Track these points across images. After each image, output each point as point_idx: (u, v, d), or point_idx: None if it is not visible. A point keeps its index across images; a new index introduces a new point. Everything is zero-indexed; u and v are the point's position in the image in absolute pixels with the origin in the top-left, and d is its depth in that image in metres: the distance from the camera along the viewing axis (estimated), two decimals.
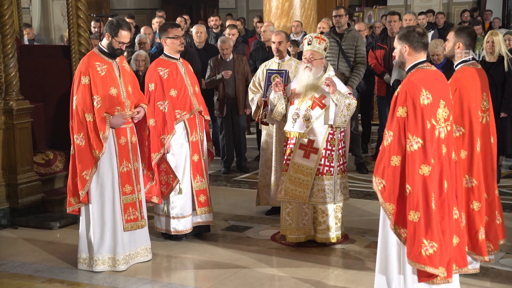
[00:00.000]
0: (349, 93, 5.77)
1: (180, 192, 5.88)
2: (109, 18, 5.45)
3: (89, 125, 5.21)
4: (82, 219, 5.38)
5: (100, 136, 5.19)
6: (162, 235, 6.03)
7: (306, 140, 5.71)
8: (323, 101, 5.70)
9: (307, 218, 5.81)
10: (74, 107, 5.26)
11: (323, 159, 5.70)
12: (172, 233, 5.94)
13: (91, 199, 5.30)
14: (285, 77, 6.39)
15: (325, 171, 5.70)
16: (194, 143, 5.94)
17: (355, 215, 6.70)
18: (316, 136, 5.70)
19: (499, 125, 7.54)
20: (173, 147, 5.86)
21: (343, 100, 5.61)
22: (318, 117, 5.69)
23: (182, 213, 5.92)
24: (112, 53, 5.34)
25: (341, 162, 5.79)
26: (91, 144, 5.21)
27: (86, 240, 5.35)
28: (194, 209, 5.98)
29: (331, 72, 5.86)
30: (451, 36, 4.89)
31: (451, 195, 4.06)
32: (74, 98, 5.26)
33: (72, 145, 5.30)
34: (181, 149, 5.90)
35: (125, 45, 5.38)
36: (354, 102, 5.68)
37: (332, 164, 5.72)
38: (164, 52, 6.00)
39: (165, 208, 5.92)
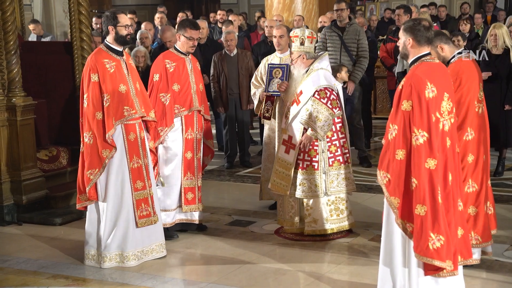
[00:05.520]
0: (325, 87, 5.71)
1: (162, 184, 5.84)
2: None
3: (98, 124, 5.18)
4: (90, 215, 5.36)
5: (106, 135, 5.17)
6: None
7: (287, 136, 5.85)
8: (300, 98, 5.79)
9: (294, 211, 5.91)
10: (85, 105, 5.22)
11: (302, 154, 5.77)
12: None
13: (102, 196, 5.27)
14: (287, 71, 6.38)
15: (305, 166, 5.78)
16: (188, 140, 5.91)
17: (358, 208, 6.69)
18: (294, 132, 5.80)
19: (503, 118, 7.55)
20: (166, 140, 5.84)
21: (313, 125, 5.67)
22: (295, 114, 5.78)
23: (164, 207, 5.87)
24: (124, 42, 5.34)
25: (338, 153, 5.82)
26: (98, 144, 5.19)
27: (95, 236, 5.33)
28: (180, 205, 5.96)
29: (318, 64, 5.84)
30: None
31: (455, 187, 4.07)
32: (85, 96, 5.22)
33: (82, 142, 5.28)
34: (173, 143, 5.87)
35: (130, 27, 5.39)
36: (323, 113, 5.66)
37: (314, 159, 5.76)
38: (175, 46, 5.99)
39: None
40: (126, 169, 5.29)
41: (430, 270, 3.99)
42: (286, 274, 5.11)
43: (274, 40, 6.71)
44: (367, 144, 9.34)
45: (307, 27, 10.75)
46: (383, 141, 4.10)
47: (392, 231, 4.10)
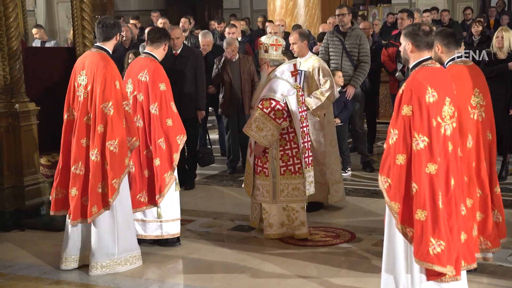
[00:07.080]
0: (270, 97, 5.73)
1: (177, 188, 5.78)
2: (107, 22, 5.36)
3: (123, 131, 5.16)
4: (97, 225, 5.23)
5: (129, 142, 5.19)
6: (155, 243, 5.82)
7: (252, 140, 5.99)
8: (256, 105, 5.91)
9: (257, 213, 6.05)
10: (110, 112, 5.10)
11: (256, 160, 5.92)
12: (165, 237, 5.79)
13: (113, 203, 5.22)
14: (300, 76, 6.48)
15: (258, 171, 5.91)
16: None
17: (361, 213, 6.69)
18: (251, 137, 5.95)
19: (507, 122, 7.52)
20: None
21: (253, 134, 5.79)
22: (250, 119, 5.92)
23: (173, 216, 5.81)
24: (117, 49, 5.39)
25: (290, 163, 5.85)
26: (124, 152, 5.17)
27: (106, 244, 5.22)
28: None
29: (274, 72, 5.87)
30: None
31: (458, 191, 4.05)
32: (110, 103, 5.10)
33: (97, 151, 5.14)
34: None
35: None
36: (265, 123, 5.71)
37: (265, 166, 5.86)
38: (154, 55, 5.82)
39: (159, 211, 5.71)
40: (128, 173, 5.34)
41: (432, 275, 3.98)
42: (289, 280, 5.10)
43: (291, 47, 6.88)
44: (370, 149, 9.33)
45: (309, 32, 10.79)
46: (385, 146, 4.10)
47: (394, 236, 4.09)
